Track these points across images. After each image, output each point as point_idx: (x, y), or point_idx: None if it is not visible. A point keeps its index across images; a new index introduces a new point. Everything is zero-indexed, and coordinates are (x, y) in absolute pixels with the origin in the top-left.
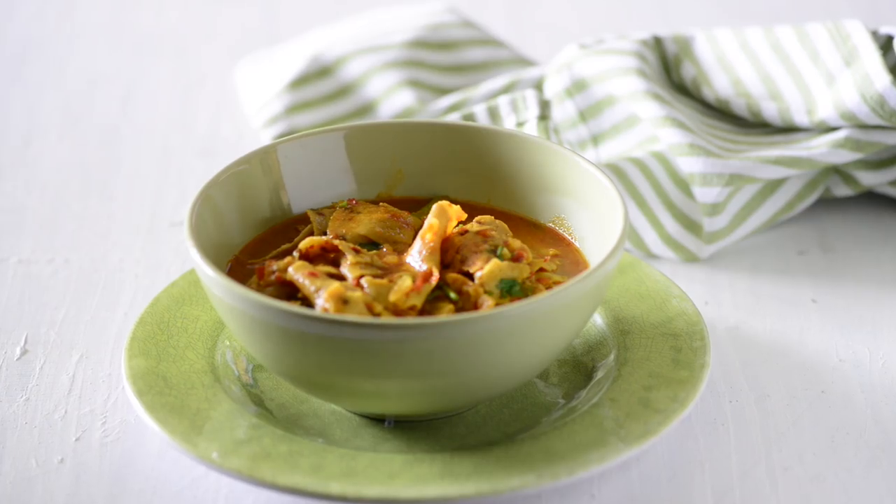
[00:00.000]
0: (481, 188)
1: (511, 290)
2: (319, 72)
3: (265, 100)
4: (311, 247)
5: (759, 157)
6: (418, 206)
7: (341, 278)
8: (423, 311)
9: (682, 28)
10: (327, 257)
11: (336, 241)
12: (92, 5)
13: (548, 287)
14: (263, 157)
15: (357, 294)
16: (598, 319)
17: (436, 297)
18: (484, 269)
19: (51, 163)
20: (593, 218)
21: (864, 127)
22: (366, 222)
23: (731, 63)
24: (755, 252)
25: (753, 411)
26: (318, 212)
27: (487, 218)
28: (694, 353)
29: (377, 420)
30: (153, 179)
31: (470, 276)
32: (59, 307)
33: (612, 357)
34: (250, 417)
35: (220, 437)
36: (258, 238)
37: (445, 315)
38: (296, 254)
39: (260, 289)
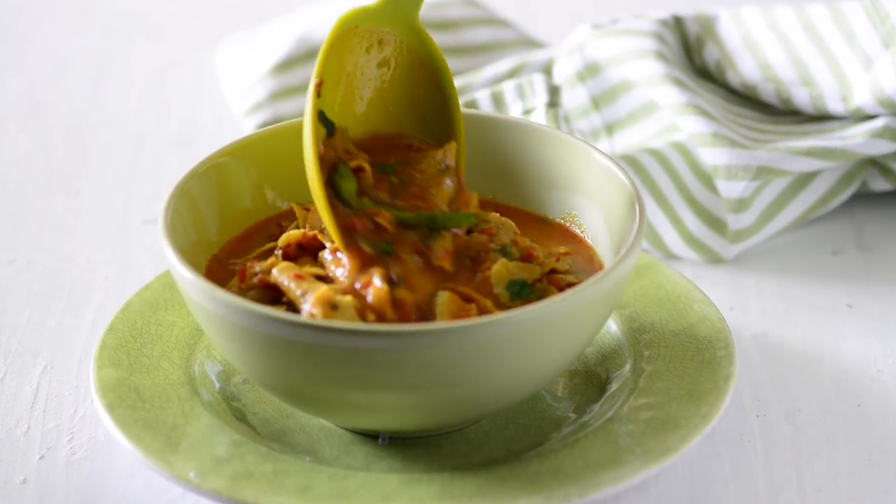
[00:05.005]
0: (485, 182)
1: (521, 293)
2: (307, 54)
3: (247, 85)
4: (288, 244)
5: (790, 149)
6: None
7: (330, 281)
8: (424, 313)
9: (704, 6)
10: (311, 251)
11: (318, 235)
12: None
13: (561, 289)
14: (245, 149)
15: (347, 299)
16: (612, 326)
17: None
18: (491, 268)
19: (12, 155)
20: (607, 215)
21: None
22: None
23: (759, 45)
24: (785, 252)
25: (783, 426)
26: (305, 206)
27: (492, 215)
28: (718, 363)
29: (370, 436)
30: (125, 172)
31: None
32: (22, 312)
33: (627, 367)
34: (231, 433)
35: (198, 455)
36: (239, 236)
37: (446, 321)
38: (278, 252)
39: (241, 292)
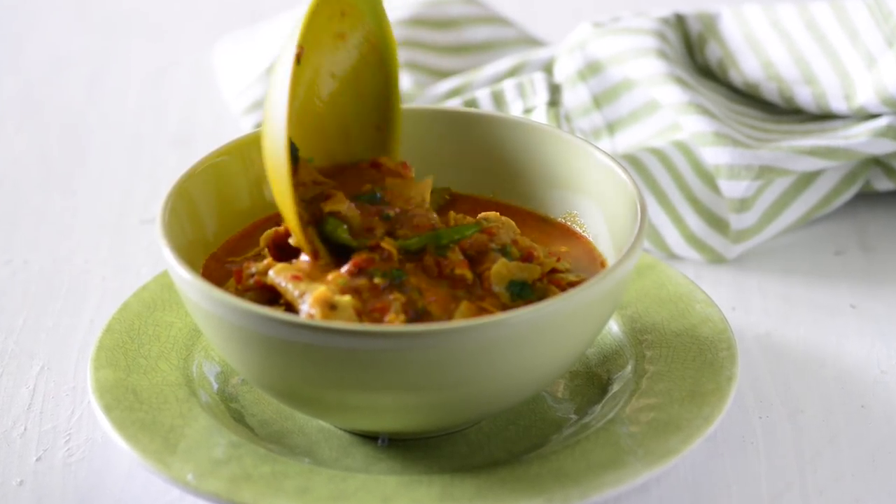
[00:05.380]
0: (485, 182)
1: (522, 293)
2: None
3: (246, 84)
4: (268, 244)
5: (792, 148)
6: None
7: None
8: (431, 317)
9: (706, 4)
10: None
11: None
12: None
13: (562, 289)
14: (244, 148)
15: (346, 299)
16: (613, 327)
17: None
18: (491, 268)
19: (8, 154)
20: (608, 215)
21: None
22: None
23: (762, 43)
24: (788, 252)
25: (786, 428)
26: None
27: (492, 214)
28: (720, 364)
29: (369, 438)
30: (122, 172)
31: (480, 279)
32: (18, 313)
33: (629, 368)
34: (229, 435)
35: (196, 456)
36: (238, 236)
37: (446, 321)
38: (264, 252)
39: (238, 293)
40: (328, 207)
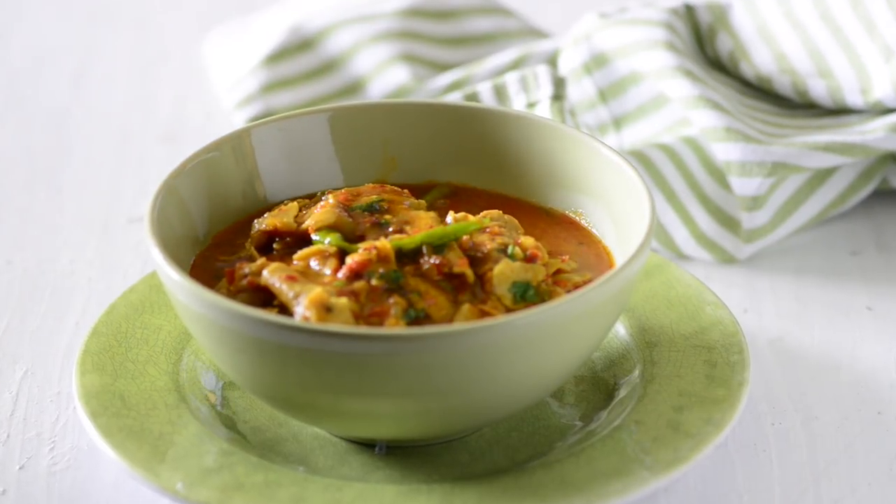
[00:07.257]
0: (486, 179)
1: (525, 295)
2: (300, 45)
3: (238, 77)
4: (256, 245)
5: (806, 143)
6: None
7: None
8: (429, 318)
9: None
10: (286, 243)
11: (278, 223)
12: None
13: (567, 290)
14: (236, 143)
15: (342, 301)
16: (620, 330)
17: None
18: (494, 269)
19: None
20: (615, 213)
21: None
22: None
23: (774, 35)
24: (801, 252)
25: (799, 435)
26: (301, 204)
27: (495, 213)
28: (731, 369)
29: (367, 445)
30: (109, 169)
31: (482, 280)
32: (1, 316)
33: (636, 373)
34: (220, 442)
35: (186, 464)
36: (230, 235)
37: (447, 324)
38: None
39: (231, 294)
40: (318, 224)
